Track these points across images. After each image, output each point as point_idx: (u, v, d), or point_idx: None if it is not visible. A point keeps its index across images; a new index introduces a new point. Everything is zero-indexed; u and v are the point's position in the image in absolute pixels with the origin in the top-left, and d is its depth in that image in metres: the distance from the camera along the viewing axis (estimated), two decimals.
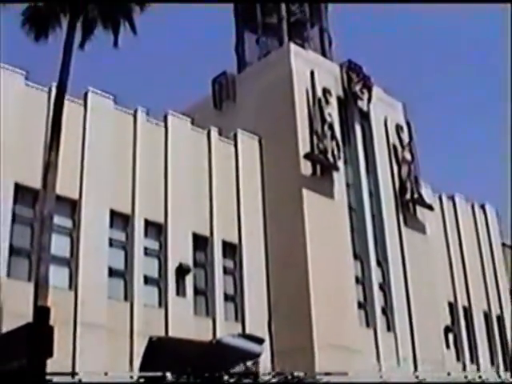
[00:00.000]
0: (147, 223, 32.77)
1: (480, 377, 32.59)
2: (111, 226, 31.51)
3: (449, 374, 33.64)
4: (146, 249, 32.45)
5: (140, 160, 33.22)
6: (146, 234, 32.66)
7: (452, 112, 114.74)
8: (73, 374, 24.27)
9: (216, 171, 36.24)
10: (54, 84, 26.50)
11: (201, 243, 34.69)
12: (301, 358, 32.28)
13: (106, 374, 23.25)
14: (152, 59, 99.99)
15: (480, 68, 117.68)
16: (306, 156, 37.53)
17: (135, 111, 34.22)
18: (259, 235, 36.78)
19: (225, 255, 35.53)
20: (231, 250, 35.90)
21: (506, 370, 48.24)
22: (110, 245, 31.23)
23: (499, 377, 47.19)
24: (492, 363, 47.94)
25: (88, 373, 23.76)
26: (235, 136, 38.13)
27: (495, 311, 50.05)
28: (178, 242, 33.40)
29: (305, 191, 36.81)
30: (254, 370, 26.16)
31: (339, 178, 39.17)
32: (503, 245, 53.89)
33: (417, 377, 29.71)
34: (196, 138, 36.41)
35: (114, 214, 31.64)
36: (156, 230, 33.23)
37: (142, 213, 32.49)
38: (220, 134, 37.64)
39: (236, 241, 36.00)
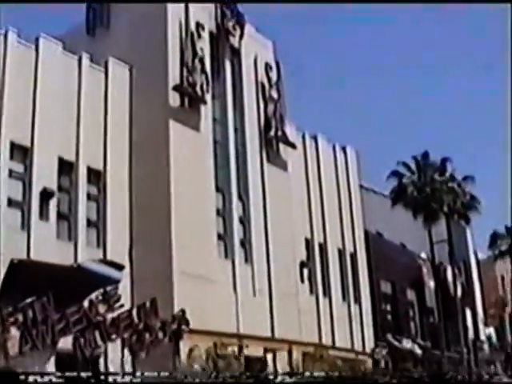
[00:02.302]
0: (13, 146, 32.33)
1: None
2: None
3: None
4: (10, 171, 32.09)
5: (9, 82, 32.54)
6: (11, 157, 32.27)
7: (323, 55, 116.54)
8: None
9: (85, 97, 35.94)
10: None
11: (66, 168, 34.50)
12: (160, 286, 32.97)
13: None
14: None
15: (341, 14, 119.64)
16: (175, 88, 37.75)
17: (6, 32, 33.35)
18: (124, 163, 36.96)
19: (89, 181, 35.52)
20: (96, 176, 35.90)
21: (355, 303, 50.81)
22: None
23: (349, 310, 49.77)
24: (343, 297, 50.27)
25: None
26: (106, 64, 37.77)
27: (349, 249, 52.19)
28: (43, 166, 33.11)
29: (171, 122, 37.13)
30: (113, 295, 26.65)
31: (206, 112, 39.67)
32: (361, 186, 55.92)
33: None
34: (67, 62, 35.88)
35: None
36: (22, 153, 32.84)
37: (8, 135, 31.98)
38: (92, 60, 37.23)
39: (101, 168, 36.03)
